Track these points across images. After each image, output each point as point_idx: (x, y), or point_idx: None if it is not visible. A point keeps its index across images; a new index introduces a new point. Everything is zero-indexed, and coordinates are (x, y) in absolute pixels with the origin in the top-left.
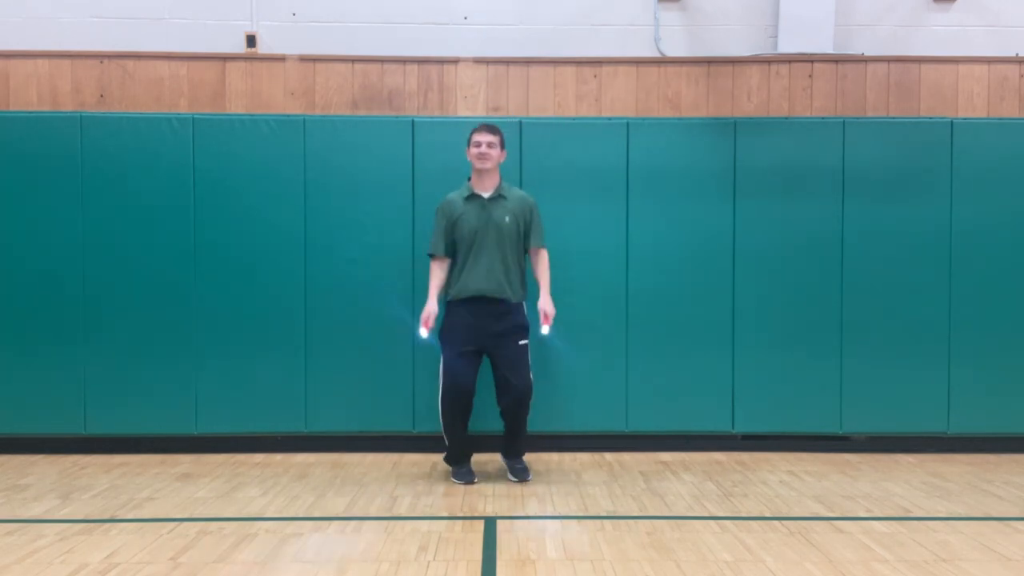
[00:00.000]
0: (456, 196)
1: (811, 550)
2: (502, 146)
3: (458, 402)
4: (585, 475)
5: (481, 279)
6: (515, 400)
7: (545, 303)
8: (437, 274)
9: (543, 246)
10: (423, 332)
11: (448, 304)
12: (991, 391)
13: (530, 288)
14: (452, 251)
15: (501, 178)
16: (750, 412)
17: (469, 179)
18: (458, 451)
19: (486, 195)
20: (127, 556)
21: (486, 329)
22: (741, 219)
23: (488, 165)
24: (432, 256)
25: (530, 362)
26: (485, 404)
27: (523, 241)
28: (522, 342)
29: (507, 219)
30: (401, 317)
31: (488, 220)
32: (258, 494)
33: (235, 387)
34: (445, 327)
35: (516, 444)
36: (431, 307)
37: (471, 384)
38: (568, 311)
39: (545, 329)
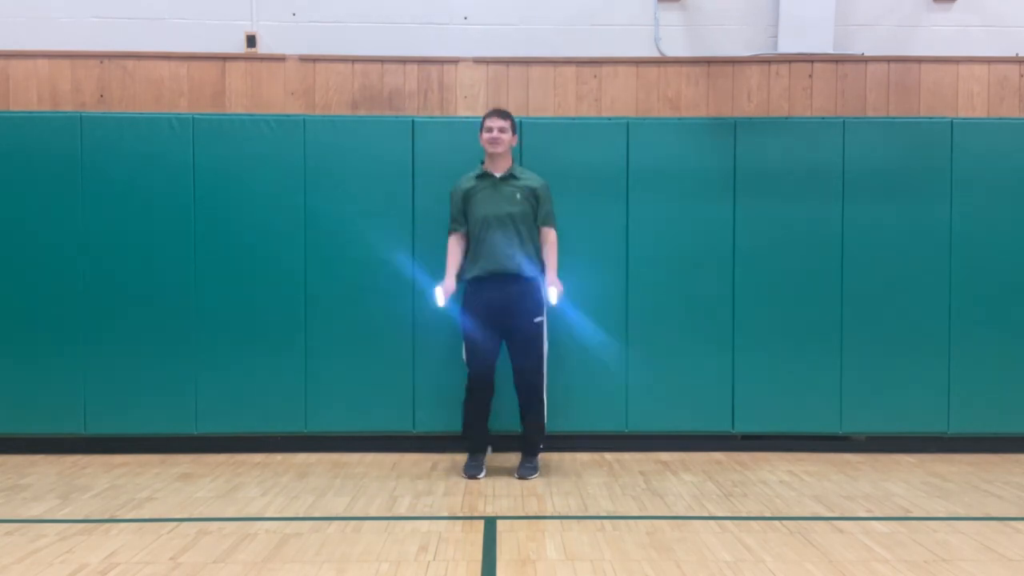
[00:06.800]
0: (467, 176)
1: (811, 550)
2: (513, 131)
3: (481, 380)
4: (585, 475)
5: (494, 257)
6: (526, 381)
7: (551, 279)
8: (454, 251)
9: (551, 226)
10: (440, 299)
11: (466, 284)
12: (991, 391)
13: None
14: (466, 227)
15: (513, 161)
16: (750, 412)
17: (483, 162)
18: (475, 436)
19: (498, 175)
20: (127, 556)
21: (503, 307)
22: (741, 219)
23: (500, 149)
24: (450, 233)
25: (544, 344)
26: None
27: (535, 219)
28: (537, 319)
29: (518, 196)
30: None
31: (499, 198)
32: (258, 494)
33: (235, 387)
34: (464, 306)
35: (528, 438)
36: (449, 283)
37: (492, 360)
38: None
39: (554, 298)
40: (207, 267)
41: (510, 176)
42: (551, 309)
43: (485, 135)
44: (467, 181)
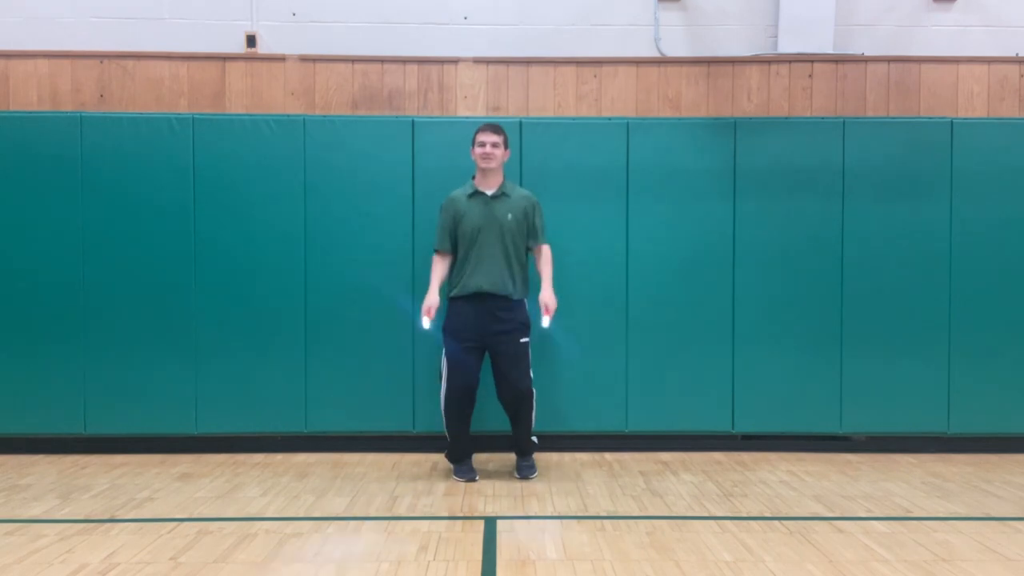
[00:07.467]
0: (460, 193)
1: (811, 550)
2: (506, 146)
3: (461, 398)
4: (585, 475)
5: (483, 276)
6: (514, 398)
7: (546, 295)
8: (438, 269)
9: (546, 243)
10: (425, 323)
11: (451, 300)
12: (991, 391)
13: (532, 284)
14: (455, 247)
15: (505, 177)
16: (750, 412)
17: (473, 177)
18: (460, 449)
19: (489, 192)
20: (127, 556)
21: (488, 326)
22: (741, 219)
23: (492, 165)
24: (435, 251)
25: (530, 361)
26: (486, 402)
27: (526, 239)
28: (523, 340)
29: (509, 216)
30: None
31: (491, 217)
32: (258, 494)
33: (235, 387)
34: (447, 323)
35: (520, 443)
36: (432, 298)
37: (474, 380)
38: (568, 311)
39: (546, 321)
40: (207, 267)
41: (502, 194)
42: (538, 329)
43: (478, 150)
44: (459, 200)
